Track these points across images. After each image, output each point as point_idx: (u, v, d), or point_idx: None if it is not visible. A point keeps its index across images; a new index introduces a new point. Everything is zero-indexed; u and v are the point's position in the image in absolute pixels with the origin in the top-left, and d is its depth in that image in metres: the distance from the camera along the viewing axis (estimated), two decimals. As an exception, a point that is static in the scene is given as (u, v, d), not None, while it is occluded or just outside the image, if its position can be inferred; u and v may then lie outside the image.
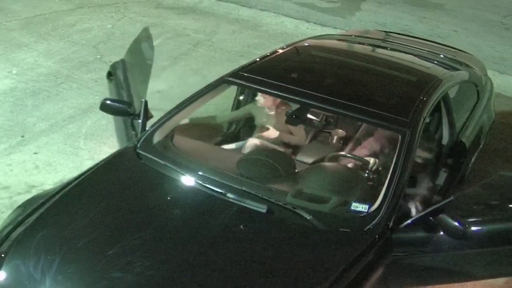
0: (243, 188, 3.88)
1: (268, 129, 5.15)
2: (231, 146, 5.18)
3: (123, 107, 4.57)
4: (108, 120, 5.65)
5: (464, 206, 3.94)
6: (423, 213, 3.79)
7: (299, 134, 5.25)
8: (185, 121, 4.95)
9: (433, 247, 3.87)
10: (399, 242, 3.76)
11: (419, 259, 3.94)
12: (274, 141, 5.08)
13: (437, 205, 3.76)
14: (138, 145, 4.24)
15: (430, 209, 3.77)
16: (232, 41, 8.76)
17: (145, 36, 5.82)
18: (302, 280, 3.38)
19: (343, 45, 5.80)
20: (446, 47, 6.46)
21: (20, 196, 5.09)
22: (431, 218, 3.75)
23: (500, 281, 4.70)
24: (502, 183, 4.35)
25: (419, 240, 3.84)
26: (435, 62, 5.49)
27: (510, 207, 4.16)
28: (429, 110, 4.45)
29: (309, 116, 5.12)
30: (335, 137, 5.26)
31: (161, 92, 7.03)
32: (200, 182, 3.92)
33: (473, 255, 3.97)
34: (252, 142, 4.99)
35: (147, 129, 4.40)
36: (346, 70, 5.03)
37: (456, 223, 3.65)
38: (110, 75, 5.60)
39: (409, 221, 3.79)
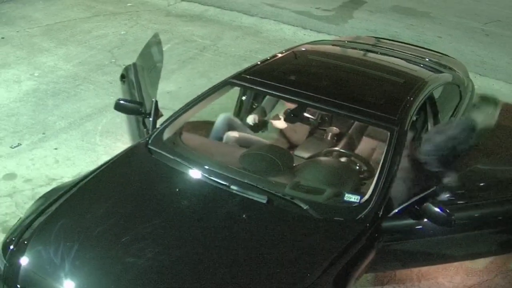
0: (245, 181, 3.88)
1: (279, 119, 5.12)
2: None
3: (136, 107, 4.58)
4: (122, 119, 5.65)
5: (445, 195, 3.96)
6: (409, 202, 3.79)
7: (300, 133, 5.24)
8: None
9: (418, 233, 3.89)
10: (388, 229, 3.77)
11: (406, 245, 3.95)
12: (259, 134, 5.06)
13: (422, 195, 3.77)
14: (149, 141, 4.24)
15: (415, 198, 3.78)
16: (235, 46, 8.74)
17: (155, 42, 5.83)
18: (299, 264, 3.39)
19: (337, 49, 5.79)
20: (431, 52, 6.44)
21: (41, 188, 5.10)
22: (416, 207, 3.77)
23: (480, 265, 4.71)
24: (477, 175, 4.40)
25: (406, 227, 3.85)
26: (421, 65, 5.47)
27: (485, 195, 4.22)
28: (415, 109, 4.45)
29: (306, 114, 5.12)
30: (330, 134, 5.25)
31: (170, 92, 7.02)
32: (206, 175, 3.93)
33: (455, 239, 4.00)
34: (230, 134, 4.96)
35: (157, 126, 4.40)
36: (339, 73, 5.02)
37: (440, 211, 3.69)
38: (123, 77, 5.61)
39: (396, 210, 3.80)
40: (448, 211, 3.69)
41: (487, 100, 4.36)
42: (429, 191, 3.78)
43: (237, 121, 5.23)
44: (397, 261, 4.12)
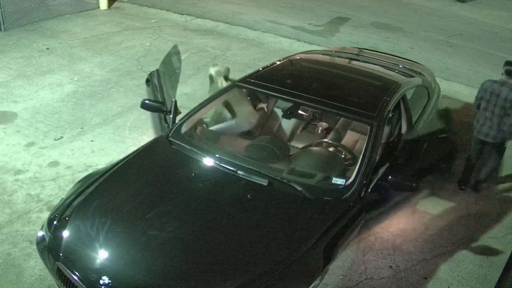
0: (250, 167, 3.87)
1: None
2: None
3: (158, 106, 4.57)
4: (147, 116, 5.63)
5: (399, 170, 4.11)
6: (375, 180, 3.91)
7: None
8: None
9: (385, 200, 4.01)
10: (366, 204, 3.80)
11: (375, 212, 3.99)
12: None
13: (381, 173, 3.97)
14: (170, 134, 4.23)
15: (378, 176, 3.93)
16: (241, 56, 8.70)
17: (175, 52, 5.80)
18: (295, 235, 3.38)
19: (326, 58, 5.75)
20: (404, 60, 6.40)
21: (80, 174, 5.08)
22: (382, 182, 3.92)
23: (446, 238, 4.70)
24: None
25: (376, 199, 3.89)
26: (396, 71, 5.43)
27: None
28: (391, 107, 4.43)
29: (300, 111, 5.09)
30: (320, 128, 5.23)
31: (187, 94, 6.99)
32: (217, 162, 3.91)
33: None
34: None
35: (176, 122, 4.38)
36: (328, 77, 4.99)
37: (402, 180, 3.86)
38: (148, 81, 5.58)
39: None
40: (411, 179, 3.89)
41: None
42: (384, 167, 3.94)
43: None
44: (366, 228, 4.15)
